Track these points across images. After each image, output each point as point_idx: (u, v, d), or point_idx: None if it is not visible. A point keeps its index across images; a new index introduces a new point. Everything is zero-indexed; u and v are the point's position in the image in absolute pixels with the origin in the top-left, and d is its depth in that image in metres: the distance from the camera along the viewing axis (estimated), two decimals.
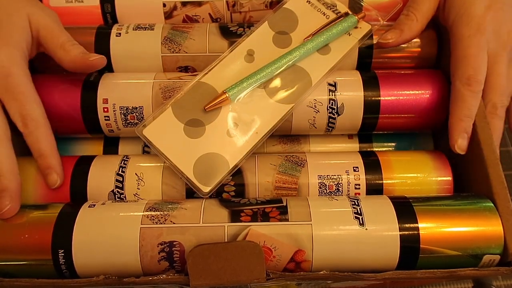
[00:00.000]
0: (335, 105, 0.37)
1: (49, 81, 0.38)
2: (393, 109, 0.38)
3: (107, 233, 0.31)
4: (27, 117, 0.33)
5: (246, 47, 0.38)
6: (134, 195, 0.35)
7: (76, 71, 0.36)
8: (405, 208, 0.33)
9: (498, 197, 0.33)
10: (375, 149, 0.41)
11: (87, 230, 0.32)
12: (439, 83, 0.38)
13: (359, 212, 0.32)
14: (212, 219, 0.32)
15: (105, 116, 0.37)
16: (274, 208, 0.33)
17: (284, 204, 0.33)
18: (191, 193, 0.35)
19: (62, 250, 0.31)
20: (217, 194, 0.36)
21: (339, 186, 0.36)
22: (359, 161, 0.37)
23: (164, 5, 0.41)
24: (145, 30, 0.40)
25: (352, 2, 0.41)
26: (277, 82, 0.36)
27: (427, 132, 0.42)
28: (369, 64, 0.41)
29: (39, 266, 0.31)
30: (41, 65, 0.39)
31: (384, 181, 0.36)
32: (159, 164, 0.36)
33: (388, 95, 0.38)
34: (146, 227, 0.32)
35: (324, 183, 0.36)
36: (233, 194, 0.36)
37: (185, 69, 0.40)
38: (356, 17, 0.38)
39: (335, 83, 0.38)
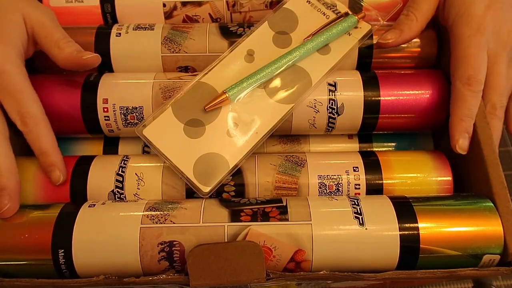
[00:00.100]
0: (335, 105, 0.37)
1: (49, 81, 0.38)
2: (393, 109, 0.38)
3: (107, 233, 0.31)
4: (25, 115, 0.33)
5: (246, 47, 0.38)
6: (134, 195, 0.35)
7: (70, 69, 0.36)
8: (405, 208, 0.33)
9: (498, 197, 0.33)
10: (375, 149, 0.41)
11: (87, 230, 0.32)
12: (439, 83, 0.38)
13: (359, 212, 0.32)
14: (212, 219, 0.32)
15: (105, 116, 0.37)
16: (274, 208, 0.33)
17: (284, 204, 0.33)
18: (191, 193, 0.35)
19: (62, 250, 0.31)
20: (217, 194, 0.36)
21: (339, 186, 0.36)
22: (359, 161, 0.37)
23: (164, 5, 0.41)
24: (145, 30, 0.40)
25: (352, 2, 0.41)
26: (277, 82, 0.36)
27: (427, 132, 0.42)
28: (369, 64, 0.41)
29: (39, 266, 0.31)
30: (41, 64, 0.39)
31: (384, 181, 0.36)
32: (159, 164, 0.36)
33: (388, 95, 0.38)
34: (146, 227, 0.32)
35: (324, 183, 0.36)
36: (233, 194, 0.36)
37: (185, 69, 0.40)
38: (356, 17, 0.38)
39: (335, 83, 0.38)
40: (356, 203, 0.33)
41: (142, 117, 0.37)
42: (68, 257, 0.31)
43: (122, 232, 0.31)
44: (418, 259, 0.32)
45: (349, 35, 0.38)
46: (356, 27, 0.39)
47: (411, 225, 0.32)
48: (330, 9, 0.39)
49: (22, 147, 0.36)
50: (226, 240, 0.31)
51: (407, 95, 0.38)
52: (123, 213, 0.33)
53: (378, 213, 0.32)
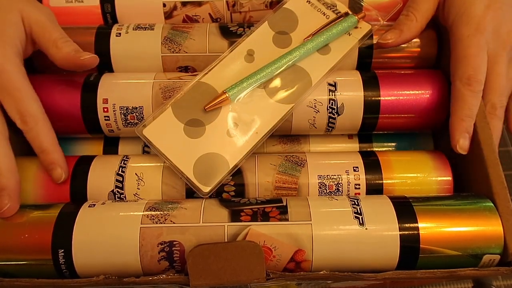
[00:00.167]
0: (335, 105, 0.37)
1: (49, 81, 0.38)
2: (393, 109, 0.38)
3: (107, 233, 0.31)
4: (25, 113, 0.33)
5: (246, 47, 0.38)
6: (134, 195, 0.35)
7: (68, 69, 0.36)
8: (405, 208, 0.33)
9: (498, 197, 0.33)
10: (375, 149, 0.41)
11: (87, 230, 0.32)
12: (439, 83, 0.38)
13: (359, 212, 0.32)
14: (212, 219, 0.32)
15: (105, 116, 0.37)
16: (274, 208, 0.33)
17: (284, 204, 0.33)
18: (191, 193, 0.35)
19: (62, 250, 0.31)
20: (217, 194, 0.36)
21: (339, 186, 0.36)
22: (359, 161, 0.37)
23: (164, 5, 0.41)
24: (145, 30, 0.40)
25: (352, 2, 0.41)
26: (277, 82, 0.36)
27: (427, 132, 0.42)
28: (369, 64, 0.41)
29: (39, 266, 0.31)
30: (40, 64, 0.39)
31: (384, 181, 0.36)
32: (159, 164, 0.36)
33: (388, 95, 0.38)
34: (146, 227, 0.32)
35: (324, 183, 0.36)
36: (233, 194, 0.36)
37: (185, 69, 0.40)
38: (356, 17, 0.38)
39: (335, 83, 0.38)
40: (356, 203, 0.33)
41: (142, 117, 0.37)
42: (68, 257, 0.31)
43: (122, 232, 0.31)
44: (418, 259, 0.32)
45: (349, 35, 0.38)
46: (356, 27, 0.39)
47: (411, 225, 0.32)
48: (330, 9, 0.39)
49: (22, 146, 0.36)
50: (226, 240, 0.31)
51: (407, 95, 0.38)
52: (123, 213, 0.33)
53: (378, 213, 0.32)
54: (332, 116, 0.38)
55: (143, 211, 0.32)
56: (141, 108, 0.37)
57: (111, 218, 0.32)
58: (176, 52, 0.39)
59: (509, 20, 0.36)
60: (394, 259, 0.32)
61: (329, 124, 0.38)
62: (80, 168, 0.36)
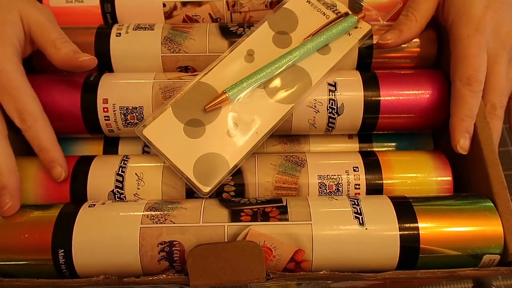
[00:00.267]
0: (335, 105, 0.37)
1: (49, 81, 0.38)
2: (393, 109, 0.38)
3: (107, 233, 0.31)
4: (24, 112, 0.33)
5: (246, 47, 0.38)
6: (134, 195, 0.35)
7: (66, 69, 0.35)
8: (405, 208, 0.33)
9: (498, 197, 0.33)
10: (375, 149, 0.41)
11: (87, 230, 0.32)
12: (439, 83, 0.38)
13: (359, 212, 0.32)
14: (212, 219, 0.32)
15: (105, 116, 0.37)
16: (274, 208, 0.33)
17: (284, 204, 0.33)
18: (191, 193, 0.35)
19: (62, 250, 0.31)
20: (217, 194, 0.36)
21: (339, 186, 0.36)
22: (359, 161, 0.37)
23: (164, 5, 0.41)
24: (145, 30, 0.40)
25: (352, 2, 0.41)
26: (277, 82, 0.36)
27: (427, 132, 0.42)
28: (369, 64, 0.41)
29: (39, 266, 0.31)
30: (39, 64, 0.39)
31: (384, 181, 0.36)
32: (159, 164, 0.36)
33: (388, 95, 0.38)
34: (146, 227, 0.32)
35: (324, 183, 0.36)
36: (233, 194, 0.36)
37: (185, 69, 0.40)
38: (356, 17, 0.38)
39: (335, 83, 0.38)
40: (356, 203, 0.33)
41: (142, 117, 0.37)
42: (68, 257, 0.31)
43: (122, 232, 0.31)
44: (418, 259, 0.32)
45: (349, 35, 0.38)
46: (356, 27, 0.39)
47: (411, 225, 0.32)
48: (330, 9, 0.39)
49: (22, 146, 0.36)
50: (226, 240, 0.31)
51: (407, 95, 0.38)
52: (123, 213, 0.33)
53: (378, 213, 0.32)
54: (332, 116, 0.38)
55: (143, 211, 0.32)
56: (141, 108, 0.37)
57: (111, 218, 0.32)
58: (176, 52, 0.39)
59: (509, 20, 0.36)
60: (394, 259, 0.32)
61: (329, 124, 0.38)
62: (80, 168, 0.36)
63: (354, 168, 0.36)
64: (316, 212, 0.32)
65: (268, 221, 0.32)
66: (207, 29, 0.40)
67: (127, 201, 0.35)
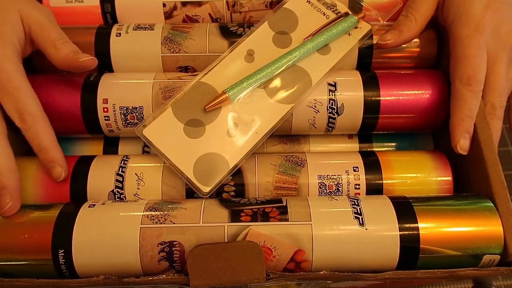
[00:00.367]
0: (335, 105, 0.37)
1: (49, 81, 0.38)
2: (393, 109, 0.38)
3: (107, 233, 0.31)
4: (24, 112, 0.33)
5: (246, 47, 0.38)
6: (134, 195, 0.35)
7: (66, 70, 0.35)
8: (405, 208, 0.33)
9: (498, 197, 0.33)
10: (375, 149, 0.41)
11: (87, 230, 0.32)
12: (439, 83, 0.38)
13: (359, 212, 0.32)
14: (212, 219, 0.32)
15: (105, 116, 0.37)
16: (274, 208, 0.33)
17: (284, 204, 0.33)
18: (191, 193, 0.35)
19: (62, 250, 0.31)
20: (217, 194, 0.36)
21: (339, 186, 0.36)
22: (359, 161, 0.37)
23: (164, 5, 0.41)
24: (145, 30, 0.40)
25: (352, 2, 0.41)
26: (277, 82, 0.36)
27: (427, 132, 0.42)
28: (369, 64, 0.41)
29: (39, 266, 0.31)
30: (39, 64, 0.39)
31: (384, 181, 0.36)
32: (159, 164, 0.36)
33: (388, 95, 0.38)
34: (146, 227, 0.32)
35: (324, 183, 0.36)
36: (233, 194, 0.36)
37: (185, 69, 0.40)
38: (356, 17, 0.38)
39: (335, 83, 0.38)
40: (356, 203, 0.33)
41: (142, 117, 0.37)
42: (68, 257, 0.31)
43: (122, 232, 0.31)
44: (418, 259, 0.32)
45: (349, 35, 0.38)
46: (356, 27, 0.39)
47: (411, 225, 0.32)
48: (330, 9, 0.39)
49: (21, 146, 0.36)
50: (226, 240, 0.31)
51: (407, 95, 0.38)
52: (123, 213, 0.33)
53: (378, 213, 0.32)
54: (332, 116, 0.38)
55: (143, 211, 0.32)
56: (141, 108, 0.37)
57: (111, 218, 0.32)
58: (176, 52, 0.39)
59: (508, 20, 0.36)
60: (394, 259, 0.32)
61: (329, 124, 0.38)
62: (80, 168, 0.36)
63: (354, 168, 0.36)
64: (316, 212, 0.32)
65: (268, 221, 0.32)
66: (207, 29, 0.40)
67: (127, 201, 0.35)
